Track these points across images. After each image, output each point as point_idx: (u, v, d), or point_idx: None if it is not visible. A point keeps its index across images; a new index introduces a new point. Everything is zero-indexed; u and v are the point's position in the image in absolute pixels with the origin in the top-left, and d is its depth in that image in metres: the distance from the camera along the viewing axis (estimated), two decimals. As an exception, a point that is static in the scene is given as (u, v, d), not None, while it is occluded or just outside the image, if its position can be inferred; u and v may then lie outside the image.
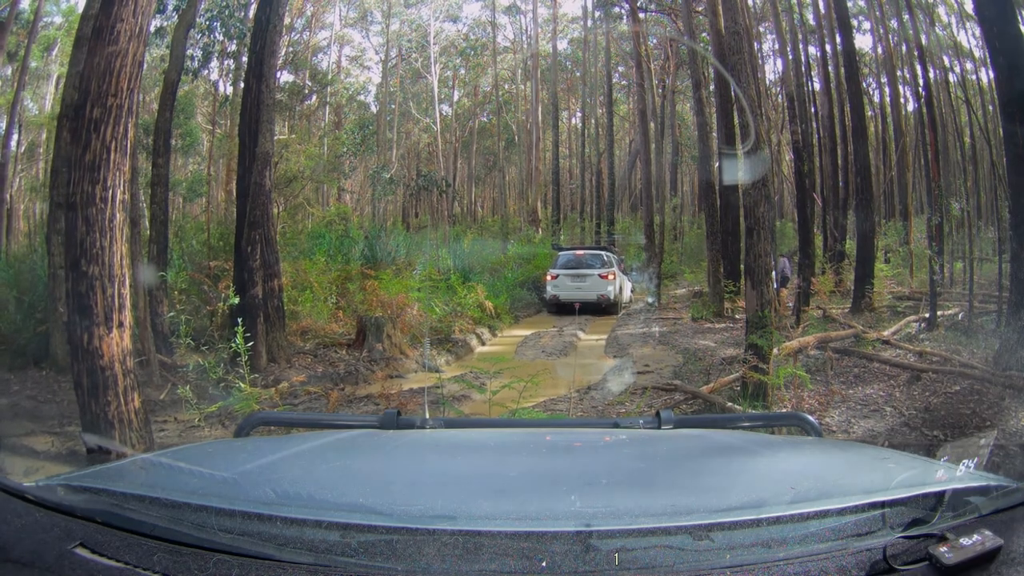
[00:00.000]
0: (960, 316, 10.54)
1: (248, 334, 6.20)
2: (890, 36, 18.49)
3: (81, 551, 1.07)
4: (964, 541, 1.01)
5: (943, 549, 1.00)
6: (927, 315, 10.46)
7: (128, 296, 4.02)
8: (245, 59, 15.71)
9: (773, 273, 11.90)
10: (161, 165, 9.37)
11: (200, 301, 8.20)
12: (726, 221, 13.60)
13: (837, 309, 11.76)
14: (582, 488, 1.41)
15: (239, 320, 5.28)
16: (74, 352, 4.01)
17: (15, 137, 19.05)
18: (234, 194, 17.15)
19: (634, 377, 8.18)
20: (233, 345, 5.06)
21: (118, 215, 3.94)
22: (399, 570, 1.02)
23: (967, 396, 6.77)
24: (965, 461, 1.27)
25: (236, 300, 5.74)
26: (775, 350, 6.34)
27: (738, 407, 5.98)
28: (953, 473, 1.27)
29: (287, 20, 16.66)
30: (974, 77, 18.53)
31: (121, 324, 3.92)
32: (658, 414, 1.87)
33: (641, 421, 2.00)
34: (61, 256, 8.46)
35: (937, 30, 18.70)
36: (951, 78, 18.93)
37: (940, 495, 1.14)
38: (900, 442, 5.53)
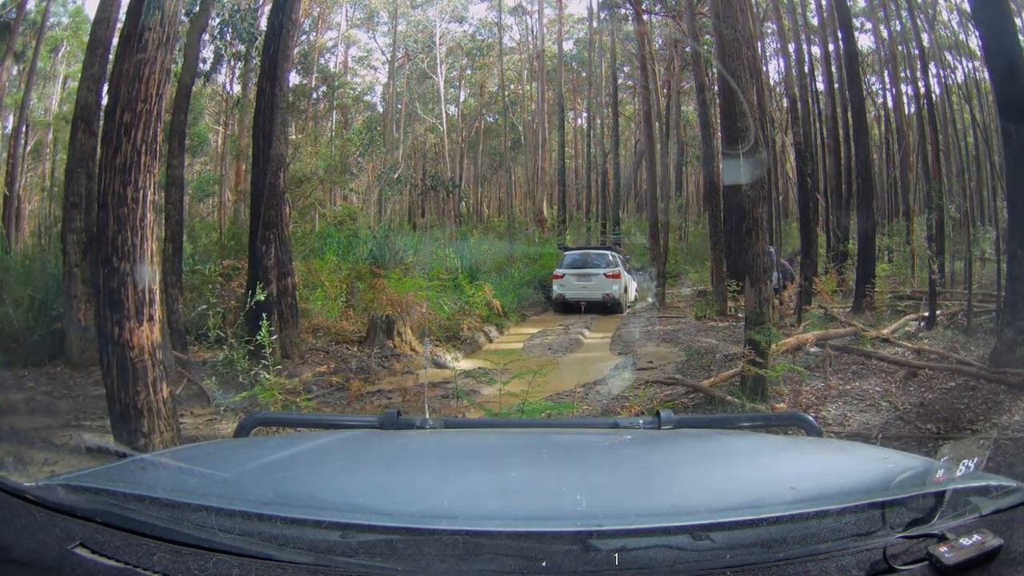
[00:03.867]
0: (959, 315, 10.66)
1: (250, 335, 6.37)
2: (893, 36, 18.59)
3: (81, 551, 1.07)
4: (964, 541, 1.02)
5: (943, 549, 1.00)
6: (926, 314, 10.59)
7: (158, 292, 4.23)
8: (254, 61, 15.99)
9: (775, 274, 12.09)
10: (176, 166, 9.59)
11: (214, 299, 8.37)
12: (729, 221, 13.65)
13: (839, 308, 11.88)
14: (582, 488, 1.40)
15: (262, 315, 5.44)
16: (104, 344, 4.20)
17: (22, 137, 19.29)
18: (243, 194, 17.42)
19: (638, 373, 8.33)
20: (258, 338, 5.23)
21: (149, 215, 4.14)
22: (399, 570, 1.02)
23: (962, 392, 6.83)
24: (965, 461, 1.24)
25: (262, 297, 5.86)
26: (773, 346, 6.49)
27: (737, 400, 6.15)
28: (953, 473, 1.24)
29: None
30: (976, 76, 18.63)
31: (151, 318, 4.12)
32: (658, 414, 1.86)
33: (641, 421, 2.00)
34: (77, 255, 8.67)
35: (940, 30, 18.80)
36: (956, 77, 19.01)
37: (940, 495, 1.14)
38: (894, 434, 5.65)
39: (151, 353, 4.15)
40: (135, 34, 4.28)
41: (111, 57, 9.98)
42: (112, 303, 4.08)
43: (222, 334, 5.22)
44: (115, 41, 10.31)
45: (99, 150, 9.00)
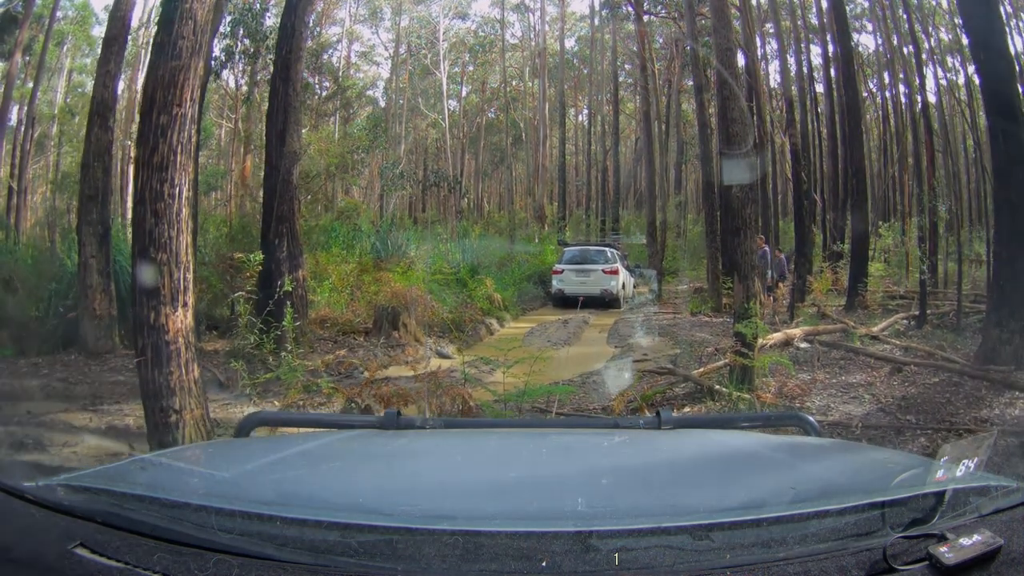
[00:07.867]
0: (950, 314, 10.87)
1: (276, 321, 6.67)
2: (893, 39, 18.81)
3: (81, 551, 1.07)
4: (964, 541, 1.02)
5: (943, 549, 1.00)
6: (917, 313, 10.87)
7: (192, 281, 4.56)
8: (260, 61, 16.32)
9: (769, 272, 12.39)
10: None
11: (228, 289, 8.66)
12: (725, 219, 13.81)
13: (833, 306, 12.15)
14: (582, 488, 1.42)
15: (285, 303, 5.76)
16: (139, 329, 4.51)
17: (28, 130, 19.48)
18: (250, 188, 17.74)
19: (633, 364, 8.60)
20: (284, 324, 5.55)
21: (184, 209, 4.48)
22: (399, 570, 1.02)
23: (945, 388, 7.04)
24: (965, 461, 1.23)
25: (289, 288, 6.16)
26: (760, 340, 6.79)
27: (725, 389, 6.45)
28: (953, 473, 1.23)
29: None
30: (975, 80, 18.80)
31: (185, 304, 4.44)
32: (658, 414, 1.86)
33: (641, 421, 2.04)
34: (93, 246, 8.93)
35: (942, 33, 19.02)
36: (957, 80, 19.22)
37: (940, 495, 1.14)
38: (874, 424, 5.94)
39: (185, 336, 4.47)
40: (168, 42, 4.58)
41: (125, 54, 10.31)
42: (149, 291, 4.41)
43: (253, 319, 5.52)
44: (129, 39, 10.67)
45: (115, 146, 9.36)
